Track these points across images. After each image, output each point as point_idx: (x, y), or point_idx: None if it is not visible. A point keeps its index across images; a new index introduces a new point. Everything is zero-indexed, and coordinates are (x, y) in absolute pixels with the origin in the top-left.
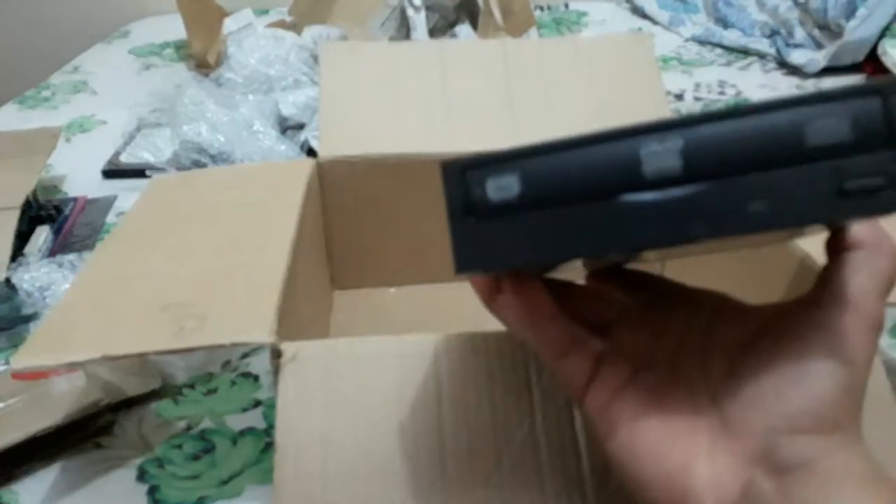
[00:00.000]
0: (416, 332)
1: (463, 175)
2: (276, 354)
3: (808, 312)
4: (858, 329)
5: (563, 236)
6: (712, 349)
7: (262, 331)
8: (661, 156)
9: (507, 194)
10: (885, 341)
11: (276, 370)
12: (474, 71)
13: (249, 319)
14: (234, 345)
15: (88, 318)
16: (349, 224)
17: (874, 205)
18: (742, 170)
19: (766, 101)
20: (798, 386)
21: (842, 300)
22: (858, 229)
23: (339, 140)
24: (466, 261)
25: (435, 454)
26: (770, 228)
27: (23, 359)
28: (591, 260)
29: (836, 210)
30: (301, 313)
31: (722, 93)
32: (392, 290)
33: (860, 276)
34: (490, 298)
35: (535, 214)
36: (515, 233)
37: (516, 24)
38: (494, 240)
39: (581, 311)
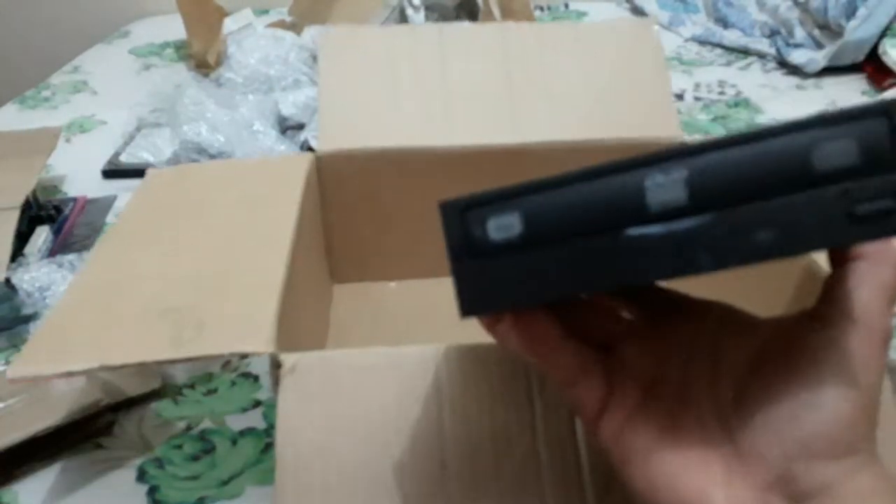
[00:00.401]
0: (417, 329)
1: (463, 215)
2: (276, 365)
3: (815, 330)
4: (868, 346)
5: (570, 274)
6: (720, 368)
7: (260, 341)
8: (666, 187)
9: (509, 234)
10: None
11: (275, 381)
12: (474, 57)
13: (248, 327)
14: (233, 354)
15: (86, 323)
16: (349, 218)
17: (885, 228)
18: (749, 198)
19: (770, 126)
20: (811, 410)
21: (849, 317)
22: None
23: (338, 133)
24: (472, 304)
25: (436, 465)
26: (778, 257)
27: (20, 367)
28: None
29: (847, 235)
30: (301, 311)
31: (722, 93)
32: (392, 283)
33: (865, 291)
34: (490, 327)
35: (540, 253)
36: (520, 272)
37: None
38: (499, 281)
39: (585, 327)
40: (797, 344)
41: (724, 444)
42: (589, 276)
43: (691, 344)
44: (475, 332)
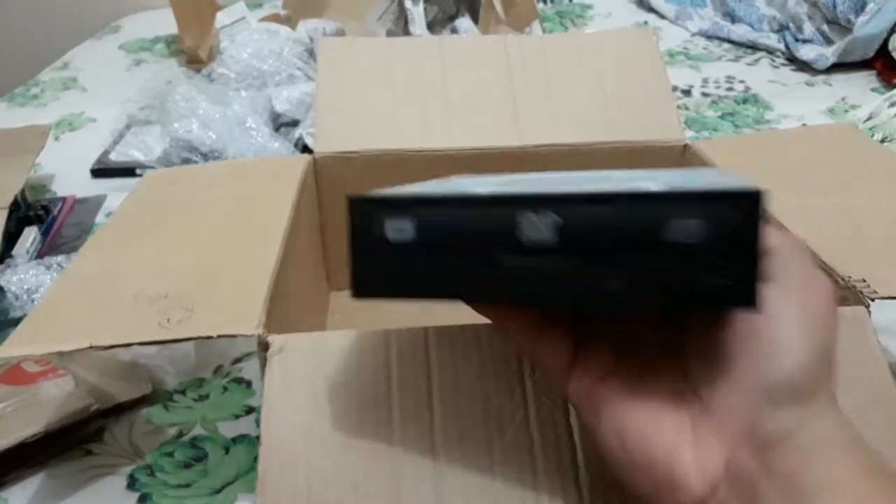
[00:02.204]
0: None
1: (367, 212)
2: (264, 347)
3: (768, 291)
4: (817, 299)
5: (447, 281)
6: (687, 332)
7: (249, 323)
8: (536, 225)
9: (403, 236)
10: (890, 341)
11: (263, 363)
12: (475, 67)
13: (237, 311)
14: (222, 336)
15: (76, 309)
16: (346, 224)
17: (713, 303)
18: (607, 251)
19: (635, 191)
20: (771, 361)
21: (793, 280)
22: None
23: (335, 136)
24: (364, 288)
25: (426, 447)
26: (625, 309)
27: (10, 348)
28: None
29: (680, 302)
30: (293, 310)
31: (730, 88)
32: None
33: (795, 262)
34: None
35: (426, 258)
36: (408, 271)
37: (518, 17)
38: (390, 273)
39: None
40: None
41: (692, 402)
42: (465, 288)
43: (659, 317)
44: None
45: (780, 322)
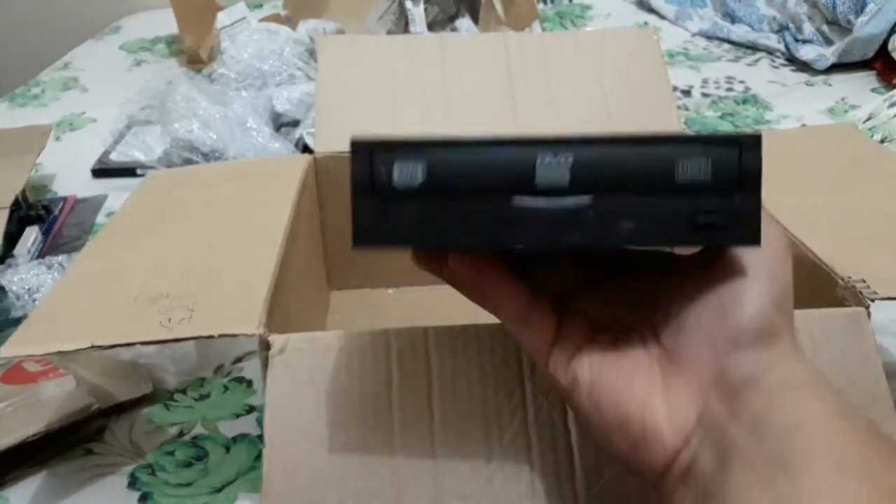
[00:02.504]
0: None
1: (371, 155)
2: (265, 346)
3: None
4: (772, 249)
5: (457, 227)
6: (656, 299)
7: (250, 322)
8: (553, 167)
9: (411, 181)
10: (889, 341)
11: (264, 363)
12: (476, 66)
13: (238, 311)
14: (223, 336)
15: (77, 309)
16: (346, 223)
17: (718, 238)
18: (619, 191)
19: (648, 134)
20: (733, 309)
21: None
22: None
23: (335, 135)
24: (364, 236)
25: (426, 447)
26: (634, 244)
27: (12, 348)
28: (492, 251)
29: (687, 238)
30: (294, 310)
31: (730, 89)
32: (390, 290)
33: None
34: (436, 270)
35: (435, 203)
36: (414, 217)
37: (518, 17)
38: (393, 221)
39: (538, 281)
40: (714, 262)
41: (662, 355)
42: (476, 234)
43: (635, 289)
44: None
45: (739, 273)
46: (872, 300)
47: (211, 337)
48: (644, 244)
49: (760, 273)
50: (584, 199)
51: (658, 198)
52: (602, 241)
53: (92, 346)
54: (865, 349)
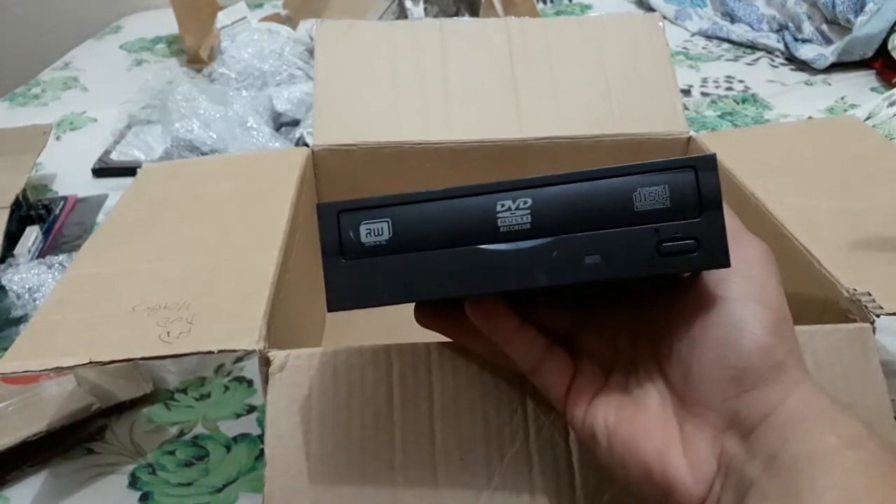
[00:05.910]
0: (413, 332)
1: (337, 218)
2: (265, 362)
3: (707, 277)
4: (758, 271)
5: (428, 278)
6: (654, 331)
7: (249, 338)
8: (514, 212)
9: (377, 238)
10: (890, 340)
11: (264, 378)
12: (477, 53)
13: (237, 325)
14: (222, 351)
15: (75, 319)
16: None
17: (685, 263)
18: (581, 228)
19: (603, 168)
20: (730, 344)
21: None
22: None
23: (333, 127)
24: (339, 298)
25: (426, 467)
26: (602, 280)
27: (9, 363)
28: (466, 301)
29: (655, 267)
30: (293, 311)
31: (730, 88)
32: None
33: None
34: (451, 334)
35: (403, 258)
36: (384, 273)
37: (518, 16)
38: (365, 279)
39: (543, 323)
40: (697, 288)
41: (675, 406)
42: (445, 282)
43: (633, 326)
44: None
45: (727, 306)
46: (878, 315)
47: (210, 353)
48: (614, 276)
49: (749, 296)
50: (547, 241)
51: (620, 230)
52: (571, 278)
53: (90, 362)
54: (869, 367)
